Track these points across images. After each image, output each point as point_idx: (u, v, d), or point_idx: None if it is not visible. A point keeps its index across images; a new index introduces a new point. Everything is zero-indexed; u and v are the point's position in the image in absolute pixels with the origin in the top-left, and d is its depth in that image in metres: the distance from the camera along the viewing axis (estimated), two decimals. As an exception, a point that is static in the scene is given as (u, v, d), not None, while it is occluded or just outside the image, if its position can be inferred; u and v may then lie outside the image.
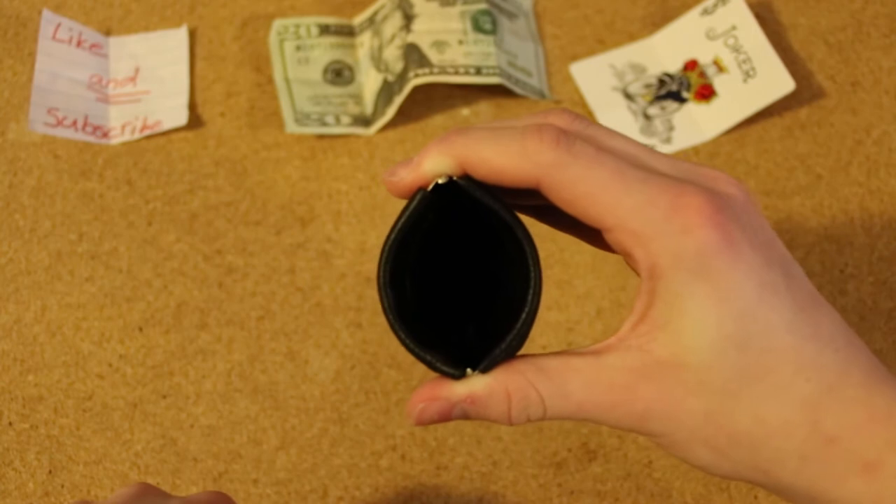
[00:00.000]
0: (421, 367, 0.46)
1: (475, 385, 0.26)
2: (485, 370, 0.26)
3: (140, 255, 0.50)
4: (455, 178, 0.26)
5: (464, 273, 0.30)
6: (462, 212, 0.27)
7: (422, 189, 0.26)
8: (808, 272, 0.49)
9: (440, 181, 0.25)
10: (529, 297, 0.26)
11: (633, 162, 0.26)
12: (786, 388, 0.25)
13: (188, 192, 0.52)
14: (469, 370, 0.26)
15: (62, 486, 0.45)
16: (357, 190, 0.52)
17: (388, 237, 0.26)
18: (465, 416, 0.27)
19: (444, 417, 0.27)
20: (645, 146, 0.27)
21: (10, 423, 0.46)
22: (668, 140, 0.53)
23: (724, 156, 0.52)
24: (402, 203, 0.27)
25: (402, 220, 0.26)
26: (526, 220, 0.27)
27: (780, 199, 0.51)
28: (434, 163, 0.26)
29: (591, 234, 0.27)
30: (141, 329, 0.48)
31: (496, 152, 0.25)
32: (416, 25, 0.53)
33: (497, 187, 0.27)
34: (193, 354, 0.48)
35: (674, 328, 0.25)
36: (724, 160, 0.52)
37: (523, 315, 0.26)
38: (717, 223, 0.24)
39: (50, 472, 0.45)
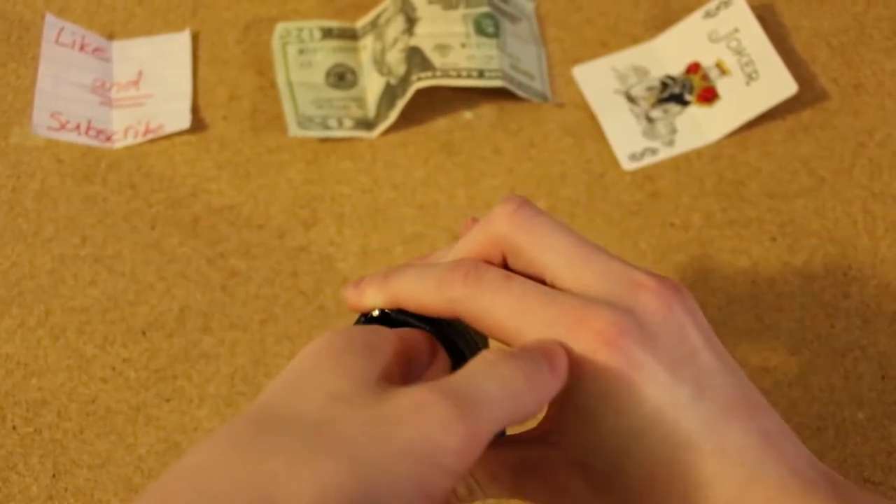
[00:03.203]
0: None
1: None
2: None
3: (143, 259, 0.50)
4: (387, 310, 0.29)
5: None
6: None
7: (362, 315, 0.30)
8: (810, 275, 0.49)
9: (374, 314, 0.30)
10: None
11: (563, 268, 0.27)
12: (682, 501, 0.25)
13: (191, 195, 0.52)
14: None
15: (66, 490, 0.45)
16: (360, 193, 0.52)
17: None
18: None
19: None
20: (585, 245, 0.28)
21: (14, 427, 0.46)
22: (670, 143, 0.53)
23: (727, 158, 0.52)
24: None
25: None
26: None
27: (782, 201, 0.51)
28: (370, 299, 0.29)
29: None
30: (144, 333, 0.48)
31: (419, 290, 0.28)
32: (419, 29, 0.53)
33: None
34: (196, 358, 0.48)
35: (579, 435, 0.27)
36: (726, 163, 0.52)
37: None
38: (617, 346, 0.25)
39: (53, 475, 0.45)
